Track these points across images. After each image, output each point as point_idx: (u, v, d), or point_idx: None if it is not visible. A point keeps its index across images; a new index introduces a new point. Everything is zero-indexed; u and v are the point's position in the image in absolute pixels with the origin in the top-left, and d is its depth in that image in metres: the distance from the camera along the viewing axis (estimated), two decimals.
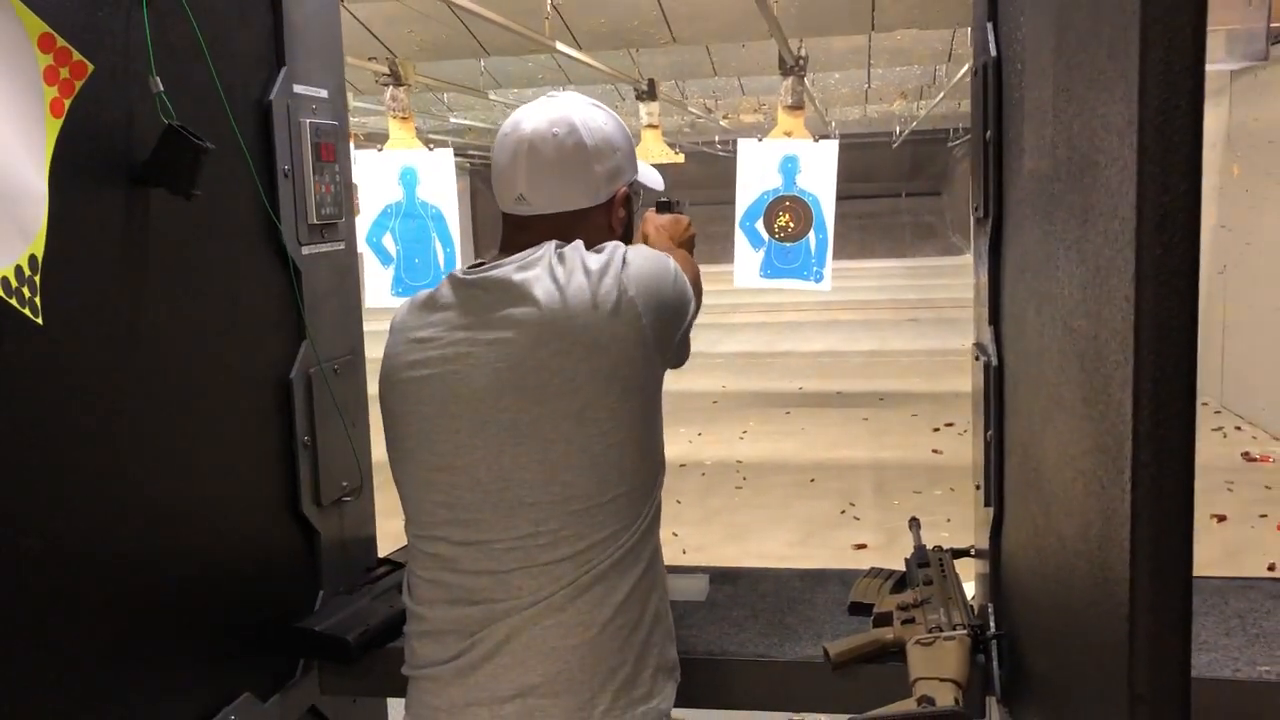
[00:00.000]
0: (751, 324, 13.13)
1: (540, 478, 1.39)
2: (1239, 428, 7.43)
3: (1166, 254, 0.72)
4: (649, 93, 7.19)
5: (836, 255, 6.29)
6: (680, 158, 9.10)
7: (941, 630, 1.57)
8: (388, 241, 5.78)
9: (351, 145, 2.02)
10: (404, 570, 1.64)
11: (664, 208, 1.79)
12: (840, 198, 6.27)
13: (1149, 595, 0.74)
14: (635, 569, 1.42)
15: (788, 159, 6.26)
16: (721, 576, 1.99)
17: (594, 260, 1.43)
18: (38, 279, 1.18)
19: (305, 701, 1.77)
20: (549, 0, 5.95)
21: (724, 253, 6.54)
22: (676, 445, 7.21)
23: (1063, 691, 1.14)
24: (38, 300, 1.18)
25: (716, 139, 16.16)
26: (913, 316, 13.69)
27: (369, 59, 6.23)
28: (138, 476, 1.41)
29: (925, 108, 11.88)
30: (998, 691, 1.57)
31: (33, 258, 1.17)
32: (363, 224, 5.62)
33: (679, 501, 6.02)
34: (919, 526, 2.03)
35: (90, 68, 1.27)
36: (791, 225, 6.36)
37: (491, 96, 8.97)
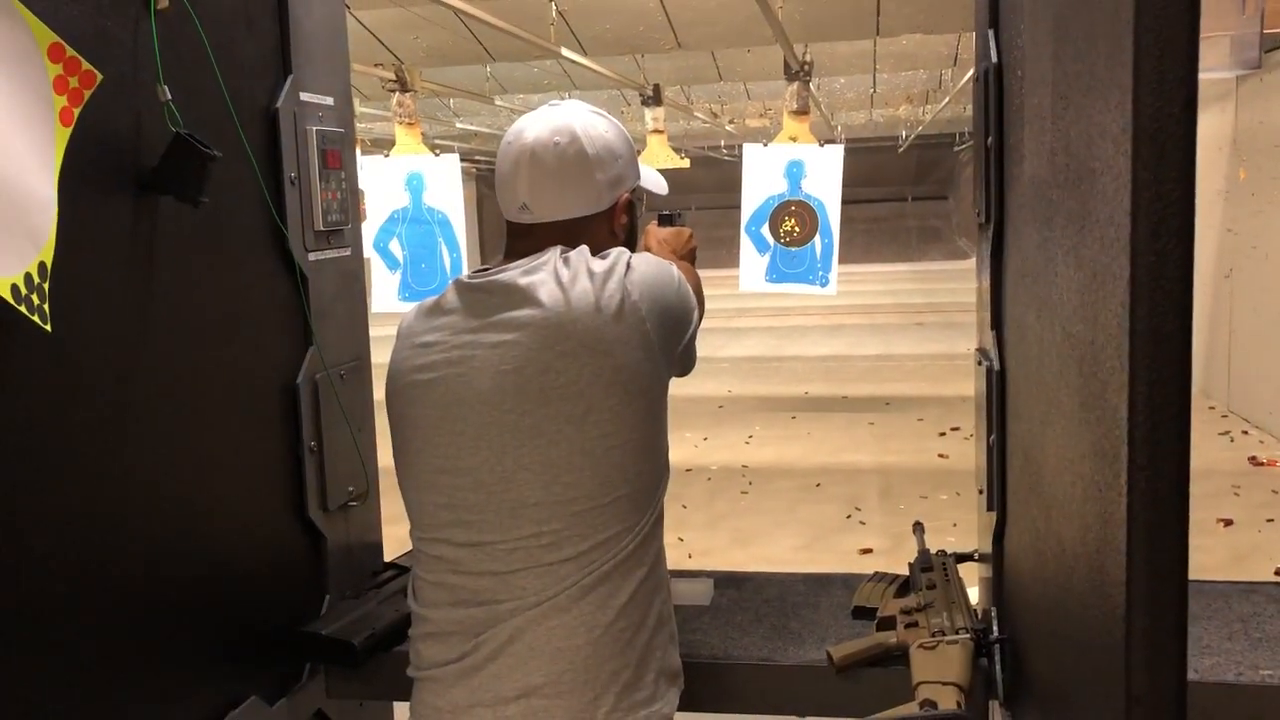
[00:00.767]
0: (757, 328, 13.14)
1: (543, 479, 1.40)
2: (1246, 431, 7.42)
3: (1160, 261, 0.73)
4: (654, 98, 7.20)
5: (842, 260, 6.29)
6: (686, 163, 9.11)
7: (944, 634, 1.58)
8: (394, 247, 5.80)
9: (358, 151, 2.03)
10: (409, 574, 1.65)
11: (666, 220, 1.80)
12: (846, 202, 6.27)
13: (1145, 597, 0.75)
14: (638, 571, 1.43)
15: (793, 164, 6.27)
16: (726, 581, 2.00)
17: (598, 265, 1.44)
18: (46, 286, 1.19)
19: (312, 705, 1.78)
20: (554, 6, 5.98)
21: (729, 257, 6.55)
22: (682, 449, 7.21)
23: (1063, 695, 1.15)
24: (46, 307, 1.19)
25: (722, 144, 16.19)
26: (918, 320, 13.69)
27: (375, 65, 6.25)
28: (145, 482, 1.42)
29: (931, 112, 11.89)
30: (1000, 695, 1.58)
31: (42, 265, 1.19)
32: (369, 229, 5.64)
33: (684, 506, 6.02)
34: (923, 531, 2.04)
35: (99, 77, 1.28)
36: (797, 230, 6.36)
37: (497, 102, 8.99)
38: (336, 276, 1.90)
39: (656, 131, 7.67)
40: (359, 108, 8.25)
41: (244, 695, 1.61)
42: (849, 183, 6.24)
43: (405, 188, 5.86)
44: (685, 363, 1.55)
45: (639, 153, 1.65)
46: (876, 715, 1.39)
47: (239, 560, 1.63)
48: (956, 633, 1.58)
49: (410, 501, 1.52)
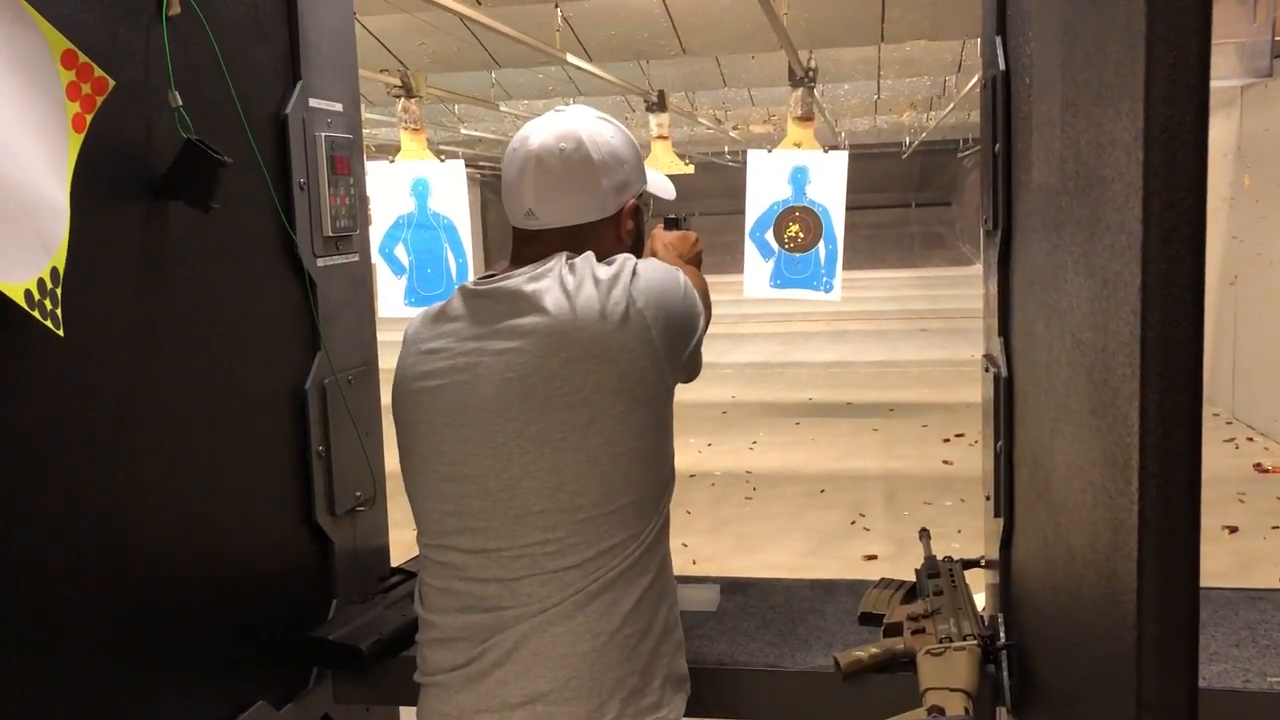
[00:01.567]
0: (761, 334, 13.14)
1: (548, 486, 1.41)
2: (1250, 439, 7.41)
3: (1172, 268, 0.73)
4: (659, 104, 7.21)
5: (846, 265, 6.30)
6: (690, 168, 9.12)
7: (952, 640, 1.58)
8: (400, 252, 5.81)
9: (364, 156, 2.04)
10: (416, 580, 1.65)
11: (671, 224, 1.80)
12: (850, 208, 6.28)
13: (1156, 605, 0.75)
14: (644, 578, 1.43)
15: (797, 170, 6.28)
16: (732, 587, 2.00)
17: (604, 271, 1.44)
18: (59, 291, 1.20)
19: (319, 710, 1.78)
20: (560, 12, 5.99)
21: (733, 263, 6.55)
22: (686, 455, 7.18)
23: (1071, 702, 1.15)
24: (59, 312, 1.19)
25: (726, 150, 16.20)
26: (923, 326, 13.69)
27: (381, 71, 6.27)
28: (154, 486, 1.42)
29: (935, 118, 11.90)
30: (1008, 702, 1.58)
31: (54, 270, 1.19)
32: (375, 235, 5.65)
33: (689, 512, 6.02)
34: (929, 537, 2.04)
35: (112, 83, 1.29)
36: (801, 235, 6.37)
37: (502, 108, 9.01)
38: (344, 282, 1.90)
39: (661, 137, 7.68)
40: (364, 113, 8.26)
41: (251, 699, 1.61)
42: (853, 189, 6.25)
43: (410, 193, 5.88)
44: (691, 369, 1.55)
45: (643, 159, 1.65)
46: None
47: (247, 565, 1.64)
48: (964, 639, 1.58)
49: (417, 508, 1.52)
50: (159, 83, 1.41)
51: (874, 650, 1.63)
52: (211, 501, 1.54)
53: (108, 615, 1.34)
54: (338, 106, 1.87)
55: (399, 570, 1.99)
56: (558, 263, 1.46)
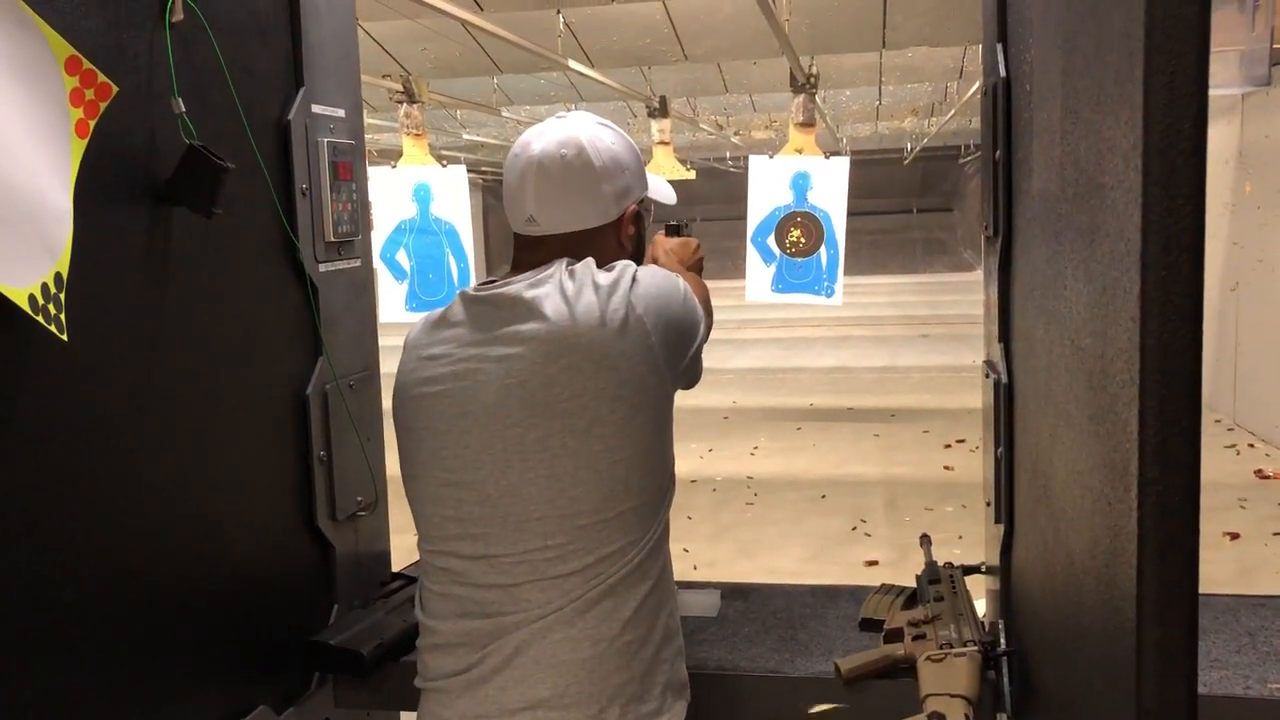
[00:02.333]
0: (763, 340, 13.14)
1: (547, 492, 1.41)
2: (1252, 445, 7.40)
3: (1171, 275, 0.73)
4: (661, 110, 7.22)
5: (848, 271, 6.31)
6: (692, 174, 9.13)
7: (952, 646, 1.58)
8: (401, 257, 5.82)
9: (365, 162, 2.04)
10: (417, 585, 1.65)
11: (673, 230, 1.81)
12: (852, 214, 6.29)
13: (1156, 611, 0.75)
14: (644, 584, 1.43)
15: (799, 175, 6.29)
16: (733, 593, 2.00)
17: (604, 278, 1.45)
18: (63, 296, 1.20)
19: (320, 714, 1.78)
20: (562, 18, 6.00)
21: (734, 268, 6.56)
22: (687, 461, 7.20)
23: (1071, 708, 1.15)
24: (63, 317, 1.20)
25: (728, 155, 16.23)
26: (924, 332, 13.69)
27: (383, 76, 6.28)
28: (156, 490, 1.43)
29: (936, 124, 11.91)
30: (1008, 708, 1.58)
31: (58, 275, 1.20)
32: (377, 240, 5.66)
33: (690, 517, 6.02)
34: (930, 543, 2.04)
35: (115, 89, 1.29)
36: (803, 241, 6.38)
37: (504, 113, 9.02)
38: (346, 287, 1.90)
39: (662, 143, 7.69)
40: (366, 119, 8.28)
41: (253, 704, 1.61)
42: (855, 194, 6.26)
43: (412, 198, 5.88)
44: (691, 375, 1.55)
45: (645, 165, 1.64)
46: None
47: (248, 569, 1.64)
48: (964, 645, 1.58)
49: (418, 513, 1.52)
50: (162, 88, 1.41)
51: (874, 656, 1.63)
52: (213, 506, 1.55)
53: (108, 619, 1.34)
54: (340, 112, 1.88)
55: (400, 575, 1.99)
56: (558, 269, 1.47)
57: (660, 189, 1.69)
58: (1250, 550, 5.18)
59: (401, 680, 1.70)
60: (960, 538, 4.87)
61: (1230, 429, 7.86)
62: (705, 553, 5.45)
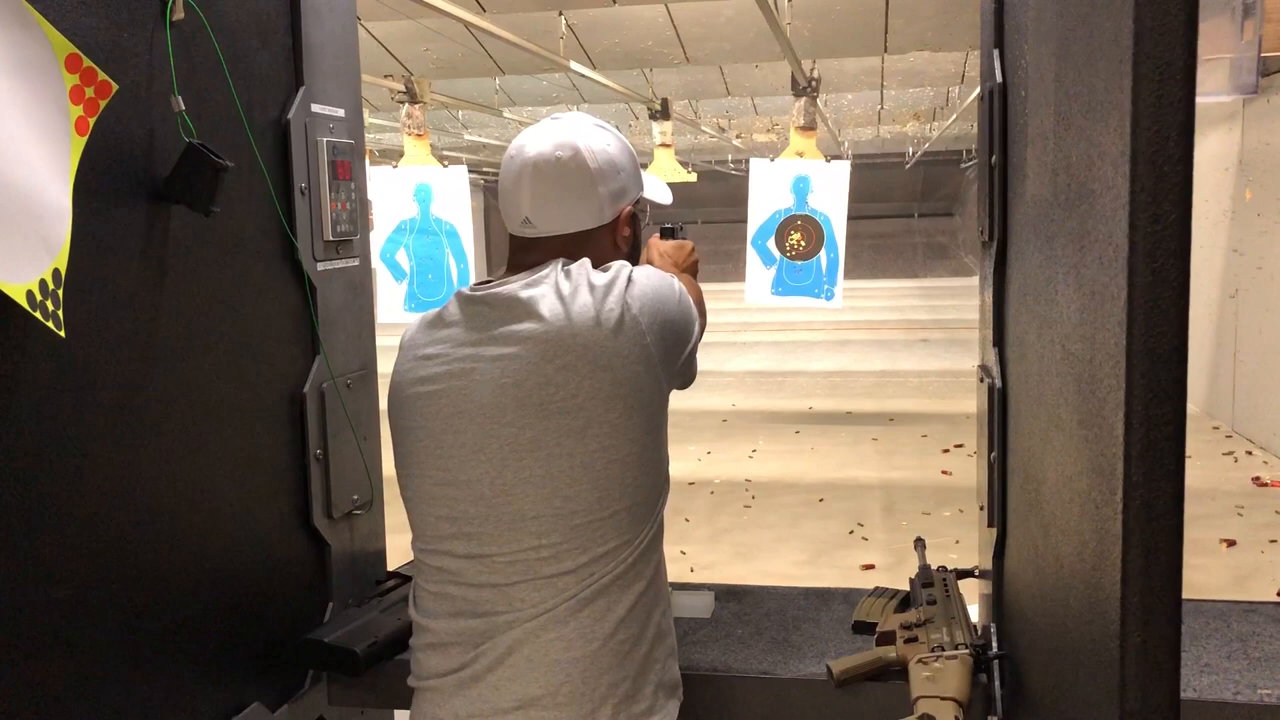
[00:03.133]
0: (762, 343, 13.14)
1: (542, 492, 1.41)
2: (1250, 452, 7.40)
3: (1157, 281, 0.74)
4: (662, 112, 7.24)
5: (848, 275, 6.32)
6: (693, 177, 9.14)
7: (944, 649, 1.58)
8: (401, 257, 5.82)
9: (367, 162, 2.05)
10: (411, 584, 1.66)
11: (667, 233, 1.81)
12: (853, 218, 6.30)
13: (1139, 614, 0.76)
14: (637, 584, 1.44)
15: (799, 179, 6.30)
16: (727, 594, 2.01)
17: (599, 278, 1.45)
18: (61, 293, 1.21)
19: (313, 712, 1.79)
20: (564, 20, 6.01)
21: (737, 271, 6.57)
22: (686, 463, 7.21)
23: (1061, 711, 1.15)
24: (60, 313, 1.20)
25: (729, 158, 16.23)
26: (924, 337, 13.69)
27: (385, 76, 6.29)
28: (152, 487, 1.43)
29: (938, 129, 11.92)
30: (999, 711, 1.58)
31: (56, 272, 1.20)
32: (377, 240, 5.66)
33: (687, 520, 6.02)
34: (924, 547, 2.04)
35: (115, 87, 1.30)
36: (803, 244, 6.39)
37: (506, 114, 9.03)
38: (344, 286, 1.91)
39: (664, 145, 7.70)
40: (368, 118, 8.29)
41: (246, 701, 1.62)
42: (856, 198, 6.27)
43: (413, 198, 5.89)
44: (686, 376, 1.56)
45: (646, 166, 1.65)
46: None
47: (244, 566, 1.65)
48: (956, 648, 1.58)
49: (413, 512, 1.53)
50: (162, 87, 1.42)
51: (867, 658, 1.64)
52: (209, 503, 1.55)
53: (103, 615, 1.34)
54: (340, 112, 1.88)
55: (395, 574, 2.00)
56: (554, 270, 1.47)
57: (656, 190, 1.69)
58: (1246, 558, 5.18)
59: (395, 679, 1.71)
60: (957, 542, 4.87)
61: (1229, 436, 7.86)
62: (702, 555, 5.45)
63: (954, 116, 9.99)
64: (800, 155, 6.23)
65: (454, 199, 5.92)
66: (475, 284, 1.53)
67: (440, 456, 1.47)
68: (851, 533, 5.85)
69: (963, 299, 16.53)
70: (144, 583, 1.42)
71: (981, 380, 1.72)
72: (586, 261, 1.49)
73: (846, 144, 14.03)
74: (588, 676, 1.41)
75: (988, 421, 1.64)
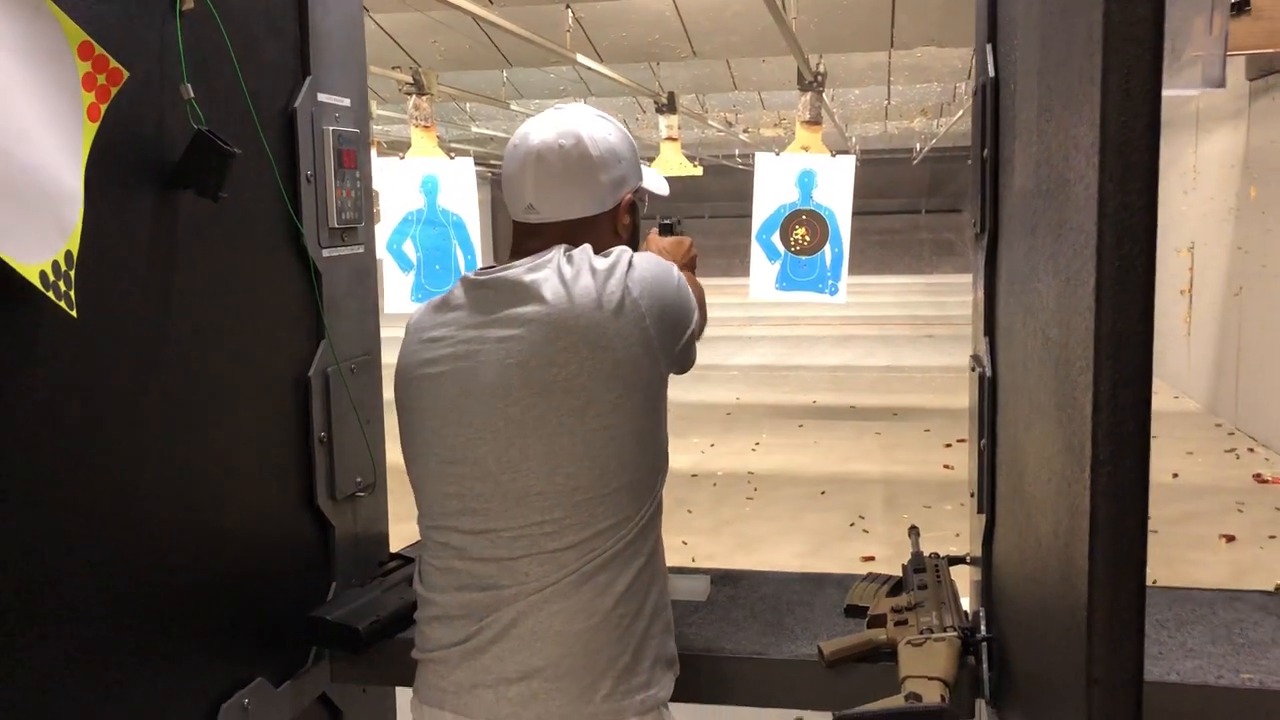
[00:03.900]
0: (767, 337, 13.17)
1: (545, 469, 1.46)
2: (1252, 449, 7.42)
3: (1124, 267, 0.77)
4: (669, 106, 7.26)
5: (855, 271, 6.35)
6: (699, 170, 9.16)
7: (933, 632, 1.62)
8: (408, 248, 5.86)
9: (374, 153, 2.08)
10: (413, 565, 1.69)
11: (665, 229, 1.85)
12: (860, 213, 6.33)
13: (1106, 583, 0.79)
14: (636, 561, 1.48)
15: (805, 174, 6.33)
16: (723, 578, 2.04)
17: (601, 262, 1.49)
18: (73, 274, 1.24)
19: (316, 689, 1.83)
20: (571, 13, 6.04)
21: (742, 266, 6.59)
22: (689, 455, 7.25)
23: (1041, 687, 1.18)
24: (73, 294, 1.24)
25: (736, 153, 16.25)
26: (929, 333, 13.71)
27: (393, 68, 6.32)
28: (161, 467, 1.47)
29: (945, 125, 11.92)
30: (987, 694, 1.61)
31: (68, 253, 1.24)
32: (384, 231, 5.70)
33: (690, 511, 6.06)
34: (918, 534, 2.08)
35: (126, 74, 1.33)
36: (807, 239, 6.42)
37: (513, 107, 9.06)
38: (349, 273, 1.95)
39: (670, 139, 7.73)
40: (376, 110, 8.33)
41: (251, 676, 1.66)
42: (863, 194, 6.30)
43: (420, 190, 5.92)
44: (684, 361, 1.59)
45: (652, 160, 1.68)
46: (863, 706, 1.43)
47: (250, 546, 1.68)
48: (945, 631, 1.62)
49: (419, 490, 1.57)
50: (171, 74, 1.45)
51: (857, 640, 1.67)
52: (216, 484, 1.59)
53: (112, 591, 1.38)
54: (346, 101, 1.92)
55: (397, 555, 2.03)
56: (556, 254, 1.51)
57: (653, 180, 1.73)
58: (1245, 554, 5.21)
59: (397, 656, 1.75)
60: (957, 535, 4.91)
61: (1231, 433, 7.88)
62: (704, 546, 5.49)
63: (960, 112, 9.99)
64: (806, 150, 6.25)
65: (461, 190, 5.96)
66: (480, 269, 1.57)
67: (446, 435, 1.51)
68: (852, 525, 5.89)
69: (969, 295, 16.48)
70: (151, 559, 1.45)
71: (974, 369, 1.75)
72: (588, 247, 1.53)
73: (854, 139, 14.03)
74: (589, 649, 1.45)
75: (978, 409, 1.67)
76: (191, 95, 1.46)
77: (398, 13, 5.87)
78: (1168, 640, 1.71)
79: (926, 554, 1.94)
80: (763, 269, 6.50)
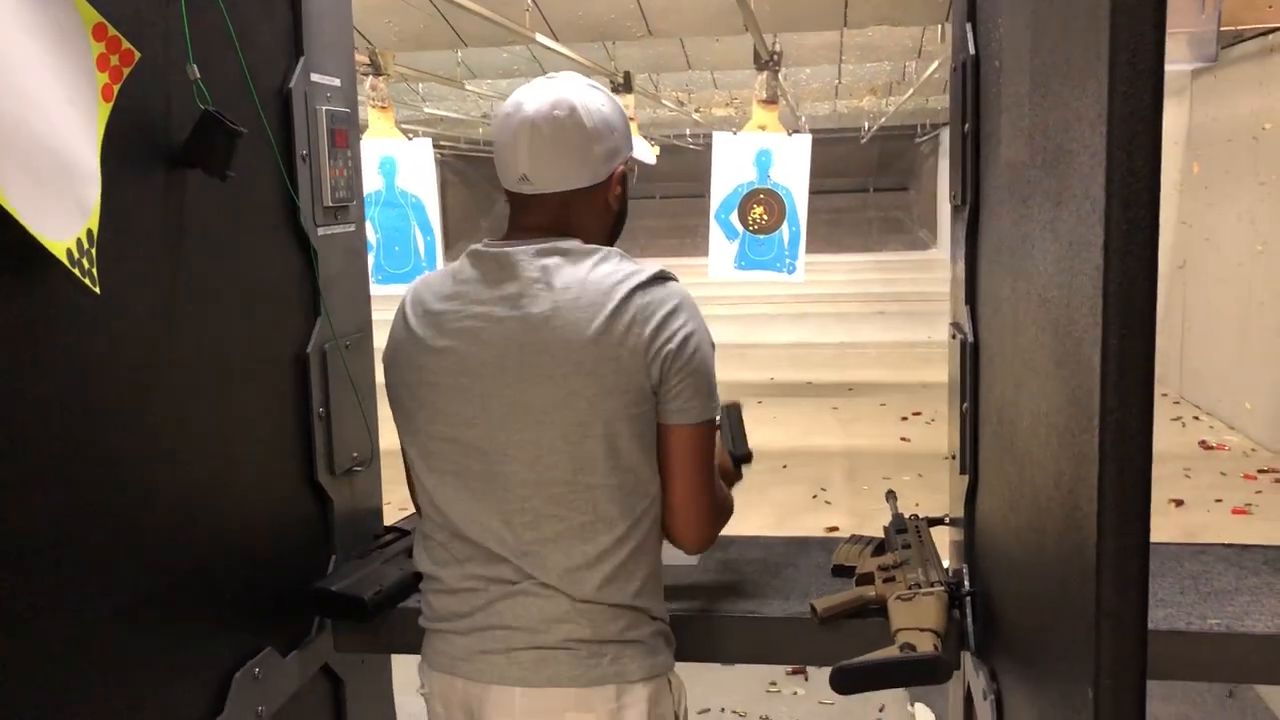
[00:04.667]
0: (725, 316, 13.25)
1: (528, 455, 1.49)
2: (1197, 417, 7.65)
3: (1131, 229, 0.83)
4: (625, 85, 7.28)
5: (807, 249, 6.42)
6: (655, 150, 9.19)
7: (920, 587, 1.69)
8: (367, 229, 5.84)
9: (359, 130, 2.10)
10: (409, 536, 1.73)
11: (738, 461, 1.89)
12: (810, 192, 6.40)
13: (1115, 522, 0.86)
14: (629, 543, 1.52)
15: (762, 152, 6.38)
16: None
17: (658, 296, 1.51)
18: (94, 252, 1.27)
19: (319, 659, 1.86)
20: None
21: (694, 245, 6.64)
22: None
23: (1031, 635, 1.26)
24: (95, 271, 1.26)
25: (687, 133, 16.28)
26: (881, 309, 13.88)
27: None
28: (169, 443, 1.49)
29: (894, 104, 12.05)
30: (972, 645, 1.69)
31: (90, 232, 1.26)
32: None
33: None
34: (895, 498, 2.16)
35: (138, 55, 1.35)
36: (765, 218, 6.48)
37: (468, 87, 9.02)
38: (343, 251, 1.97)
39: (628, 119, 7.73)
40: None
41: (260, 646, 1.69)
42: (813, 173, 6.35)
43: (378, 171, 5.90)
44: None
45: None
46: (862, 657, 1.50)
47: (254, 520, 1.71)
48: (931, 586, 1.69)
49: (417, 468, 1.59)
50: (177, 56, 1.47)
51: (849, 596, 1.74)
52: (221, 460, 1.61)
53: (123, 565, 1.40)
54: (336, 81, 1.94)
55: (392, 529, 2.07)
56: (584, 249, 1.53)
57: (642, 150, 1.74)
58: (1194, 517, 5.39)
59: (398, 626, 1.79)
60: (916, 505, 5.01)
61: (1176, 402, 8.10)
62: None
63: (910, 91, 10.11)
64: (763, 129, 6.31)
65: (419, 172, 5.94)
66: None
67: (446, 413, 1.52)
68: (815, 497, 5.99)
69: (918, 272, 16.76)
70: (163, 535, 1.48)
71: (954, 337, 1.82)
72: (620, 253, 1.55)
73: (804, 119, 14.12)
74: (595, 622, 1.50)
75: (960, 375, 1.74)
76: (198, 75, 1.48)
77: None
78: None
79: (906, 515, 2.02)
80: (721, 248, 6.54)
